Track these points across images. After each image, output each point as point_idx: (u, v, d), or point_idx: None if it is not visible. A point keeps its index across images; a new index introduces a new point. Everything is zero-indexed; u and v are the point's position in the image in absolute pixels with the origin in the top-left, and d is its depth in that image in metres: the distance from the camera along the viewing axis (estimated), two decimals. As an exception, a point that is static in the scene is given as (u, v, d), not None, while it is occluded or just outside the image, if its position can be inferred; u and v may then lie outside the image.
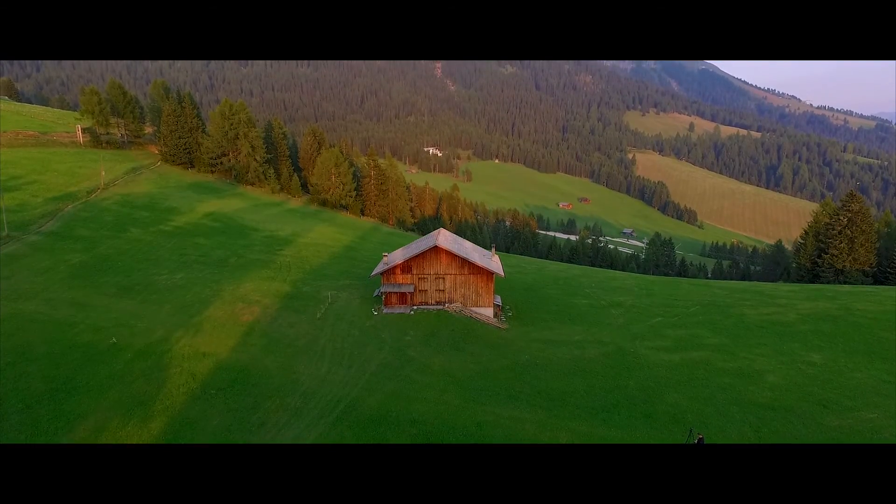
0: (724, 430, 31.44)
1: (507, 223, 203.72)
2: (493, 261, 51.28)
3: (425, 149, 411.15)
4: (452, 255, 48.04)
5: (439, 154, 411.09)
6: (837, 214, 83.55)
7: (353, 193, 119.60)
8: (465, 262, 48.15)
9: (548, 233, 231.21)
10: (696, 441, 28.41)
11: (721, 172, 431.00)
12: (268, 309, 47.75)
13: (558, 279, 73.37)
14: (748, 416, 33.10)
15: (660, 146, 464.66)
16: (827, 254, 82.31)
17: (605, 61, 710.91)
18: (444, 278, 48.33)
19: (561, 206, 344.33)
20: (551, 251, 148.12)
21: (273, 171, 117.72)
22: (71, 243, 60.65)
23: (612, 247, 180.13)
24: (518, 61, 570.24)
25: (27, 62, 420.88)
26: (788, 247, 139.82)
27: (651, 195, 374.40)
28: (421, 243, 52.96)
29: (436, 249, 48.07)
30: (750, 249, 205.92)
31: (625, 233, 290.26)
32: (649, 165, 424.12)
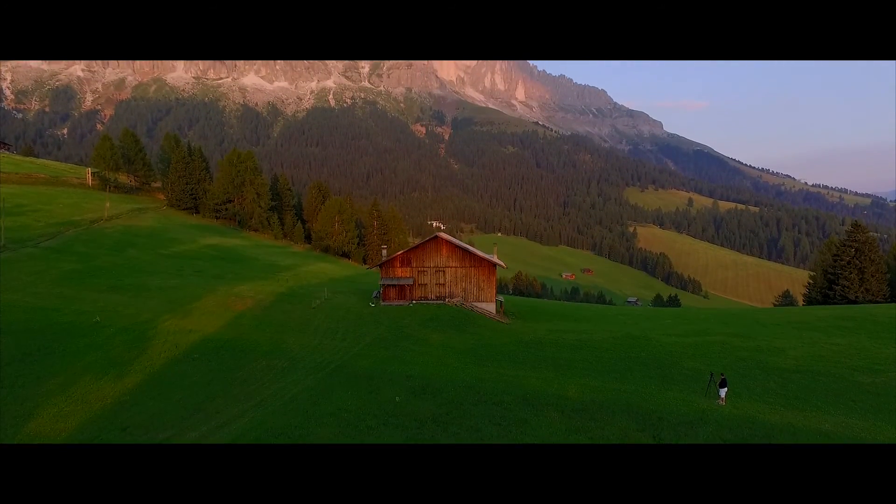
0: (749, 387, 28.78)
1: (510, 288, 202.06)
2: (494, 258, 49.90)
3: (429, 222, 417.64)
4: (453, 247, 46.76)
5: (443, 227, 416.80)
6: (844, 246, 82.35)
7: (356, 241, 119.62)
8: (466, 255, 46.74)
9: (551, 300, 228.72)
10: (718, 382, 25.88)
11: (722, 245, 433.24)
12: (261, 302, 45.91)
13: (563, 305, 71.43)
14: (772, 376, 30.51)
15: (660, 220, 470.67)
16: (837, 285, 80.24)
17: (603, 142, 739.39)
18: (444, 271, 46.65)
19: (564, 276, 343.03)
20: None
21: (277, 218, 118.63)
22: (67, 255, 59.74)
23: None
24: (519, 141, 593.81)
25: (49, 141, 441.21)
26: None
27: (654, 266, 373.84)
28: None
29: (436, 240, 46.88)
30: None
31: (629, 301, 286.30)
32: (651, 238, 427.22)
